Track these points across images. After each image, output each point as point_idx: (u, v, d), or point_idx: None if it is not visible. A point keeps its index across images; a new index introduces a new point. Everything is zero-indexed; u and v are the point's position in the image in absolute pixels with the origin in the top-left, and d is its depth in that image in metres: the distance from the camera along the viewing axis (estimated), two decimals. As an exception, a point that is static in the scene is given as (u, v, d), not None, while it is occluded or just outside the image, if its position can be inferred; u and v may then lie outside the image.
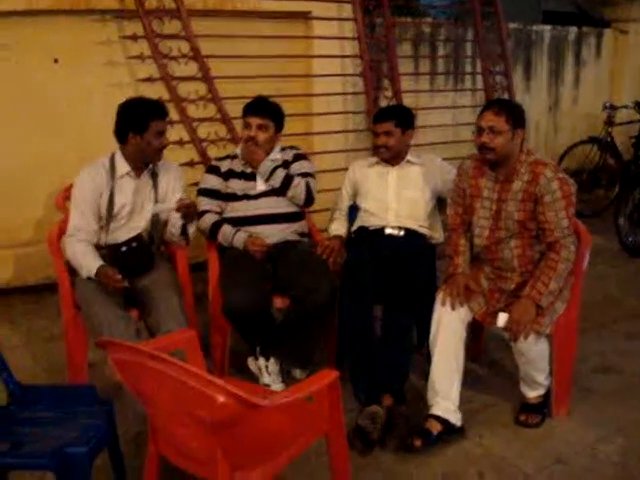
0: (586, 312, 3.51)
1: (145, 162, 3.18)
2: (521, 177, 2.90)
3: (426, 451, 2.81)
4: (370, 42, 5.26)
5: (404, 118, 3.48)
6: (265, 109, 3.41)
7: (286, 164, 3.48)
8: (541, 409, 3.07)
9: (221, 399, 1.72)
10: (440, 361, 2.93)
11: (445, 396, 2.89)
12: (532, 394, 3.07)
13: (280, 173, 3.36)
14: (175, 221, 3.14)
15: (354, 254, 3.41)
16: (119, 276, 2.90)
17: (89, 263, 2.99)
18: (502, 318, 2.85)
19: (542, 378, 3.04)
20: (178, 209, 3.03)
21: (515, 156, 2.91)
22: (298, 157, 3.55)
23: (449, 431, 2.87)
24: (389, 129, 3.44)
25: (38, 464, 2.08)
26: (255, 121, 3.37)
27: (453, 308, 2.94)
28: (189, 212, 3.09)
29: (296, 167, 3.49)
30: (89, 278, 2.99)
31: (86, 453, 2.06)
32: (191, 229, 3.24)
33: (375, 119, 3.57)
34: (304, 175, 3.45)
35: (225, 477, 1.94)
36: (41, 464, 2.06)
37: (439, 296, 3.00)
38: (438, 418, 2.86)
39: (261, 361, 3.21)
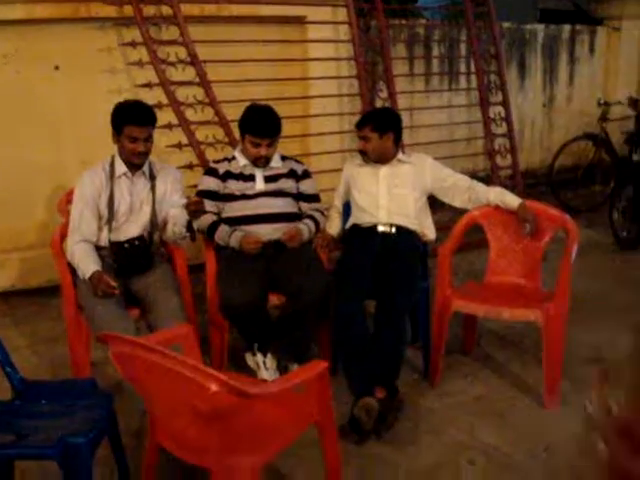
0: (578, 304, 3.60)
1: (130, 163, 3.27)
2: None
3: (418, 442, 2.91)
4: (365, 44, 5.35)
5: (381, 122, 3.54)
6: (273, 130, 3.45)
7: (294, 175, 3.59)
8: None
9: (214, 388, 1.81)
10: None
11: None
12: None
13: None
14: (179, 219, 3.17)
15: (347, 251, 3.51)
16: (113, 283, 2.97)
17: (85, 266, 3.08)
18: None
19: None
20: (188, 206, 3.06)
21: None
22: (306, 174, 3.67)
23: None
24: (366, 134, 3.53)
25: (41, 454, 2.17)
26: (265, 142, 3.42)
27: None
28: (198, 209, 3.11)
29: (305, 187, 3.62)
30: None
31: (87, 442, 2.14)
32: (195, 225, 3.28)
33: (356, 125, 3.66)
34: (316, 209, 3.60)
35: (218, 464, 2.03)
36: (44, 454, 2.15)
37: None
38: None
39: (259, 357, 3.30)
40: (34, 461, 2.57)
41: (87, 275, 3.04)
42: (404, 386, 3.23)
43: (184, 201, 3.13)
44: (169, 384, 1.97)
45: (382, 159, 3.58)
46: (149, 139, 3.24)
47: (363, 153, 3.59)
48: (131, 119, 3.16)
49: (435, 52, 6.34)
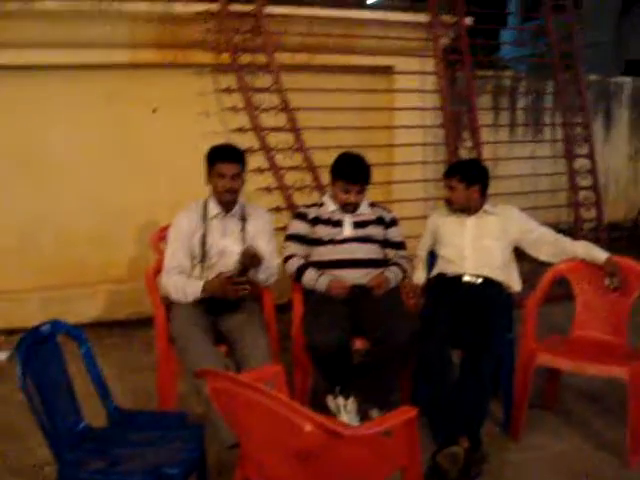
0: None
1: (222, 203, 3.41)
2: None
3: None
4: (451, 94, 5.42)
5: (468, 173, 3.59)
6: (364, 177, 3.54)
7: (382, 222, 3.66)
8: None
9: (308, 427, 1.85)
10: None
11: None
12: None
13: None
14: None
15: (432, 300, 3.52)
16: (241, 279, 3.16)
17: (192, 285, 3.24)
18: None
19: None
20: (244, 254, 3.24)
21: None
22: (394, 222, 3.73)
23: None
24: (452, 184, 3.59)
25: (135, 482, 2.24)
26: (355, 188, 3.52)
27: None
28: (252, 262, 3.26)
29: (392, 234, 3.68)
30: (188, 306, 3.22)
31: (179, 473, 2.21)
32: (262, 275, 3.40)
33: (444, 174, 3.72)
34: (402, 257, 3.65)
35: (307, 503, 2.07)
36: (139, 482, 2.22)
37: None
38: None
39: (340, 400, 3.32)
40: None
41: (199, 289, 3.21)
42: (484, 437, 3.19)
43: (270, 248, 3.34)
44: (264, 421, 2.02)
45: (467, 209, 3.62)
46: (237, 177, 3.37)
47: (449, 202, 3.64)
48: (219, 156, 3.36)
49: (520, 103, 6.36)
